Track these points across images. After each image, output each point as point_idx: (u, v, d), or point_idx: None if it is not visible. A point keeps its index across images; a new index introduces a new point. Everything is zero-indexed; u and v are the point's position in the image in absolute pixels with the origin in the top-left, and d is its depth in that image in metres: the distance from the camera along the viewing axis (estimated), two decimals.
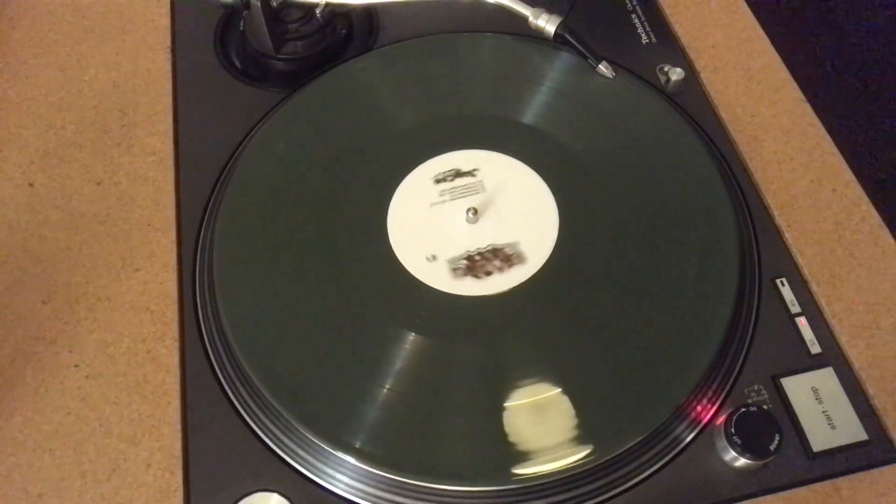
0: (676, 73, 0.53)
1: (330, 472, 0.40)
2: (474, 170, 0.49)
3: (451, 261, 0.45)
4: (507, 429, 0.40)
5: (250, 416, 0.42)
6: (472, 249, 0.46)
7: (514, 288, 0.44)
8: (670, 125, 0.50)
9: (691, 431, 0.41)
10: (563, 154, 0.50)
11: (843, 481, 0.40)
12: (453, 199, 0.48)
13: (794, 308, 0.45)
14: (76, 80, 0.56)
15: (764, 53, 0.57)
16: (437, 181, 0.48)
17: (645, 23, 0.58)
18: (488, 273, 0.45)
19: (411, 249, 0.46)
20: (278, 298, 0.44)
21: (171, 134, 0.53)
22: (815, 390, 0.42)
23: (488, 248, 0.46)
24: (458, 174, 0.49)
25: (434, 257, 0.45)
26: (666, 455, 0.40)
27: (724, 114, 0.54)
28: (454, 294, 0.44)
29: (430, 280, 0.45)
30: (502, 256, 0.45)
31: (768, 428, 0.39)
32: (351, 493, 0.39)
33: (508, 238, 0.46)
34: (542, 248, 0.46)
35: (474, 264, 0.45)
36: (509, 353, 0.42)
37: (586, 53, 0.52)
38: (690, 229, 0.46)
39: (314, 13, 0.54)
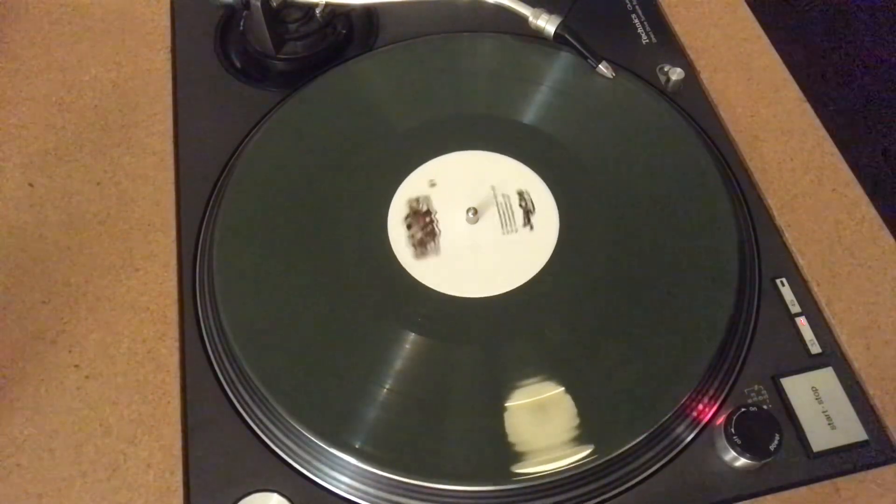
0: (676, 73, 0.53)
1: (330, 472, 0.40)
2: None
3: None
4: (507, 429, 0.40)
5: (250, 416, 0.42)
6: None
7: (515, 289, 0.44)
8: (670, 125, 0.50)
9: (691, 431, 0.41)
10: (562, 154, 0.50)
11: (843, 481, 0.40)
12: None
13: (794, 308, 0.45)
14: (76, 80, 0.56)
15: (764, 53, 0.57)
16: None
17: (645, 23, 0.58)
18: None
19: (411, 249, 0.46)
20: (278, 298, 0.44)
21: (171, 134, 0.53)
22: (815, 390, 0.42)
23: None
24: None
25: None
26: (666, 455, 0.40)
27: (724, 114, 0.53)
28: (454, 295, 0.44)
29: (430, 281, 0.45)
30: None
31: (768, 428, 0.39)
32: (351, 493, 0.39)
33: (507, 242, 0.46)
34: (542, 249, 0.46)
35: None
36: (509, 353, 0.42)
37: (586, 53, 0.52)
38: (690, 229, 0.46)
39: (314, 13, 0.54)
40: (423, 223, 0.44)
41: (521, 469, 0.39)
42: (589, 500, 0.39)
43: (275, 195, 0.48)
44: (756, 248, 0.47)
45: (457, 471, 0.39)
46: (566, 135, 0.51)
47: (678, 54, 0.57)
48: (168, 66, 0.56)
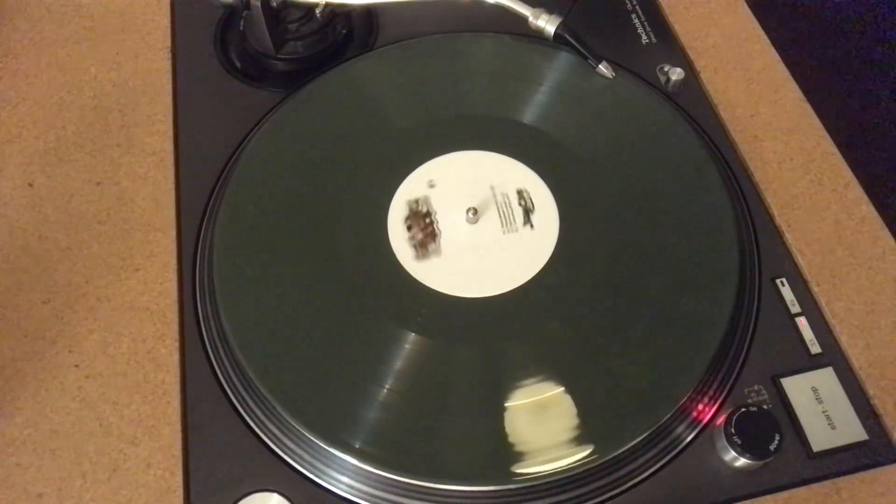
0: (676, 73, 0.53)
1: (330, 472, 0.40)
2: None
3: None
4: (507, 429, 0.40)
5: (250, 416, 0.42)
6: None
7: (515, 288, 0.44)
8: (670, 125, 0.50)
9: (691, 431, 0.41)
10: (562, 154, 0.50)
11: (843, 481, 0.40)
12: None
13: (794, 308, 0.45)
14: (76, 80, 0.56)
15: (764, 53, 0.57)
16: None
17: (645, 23, 0.58)
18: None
19: (411, 249, 0.46)
20: (278, 298, 0.44)
21: (171, 134, 0.53)
22: (815, 390, 0.42)
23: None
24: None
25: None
26: (666, 455, 0.40)
27: (724, 114, 0.53)
28: (454, 295, 0.44)
29: (431, 281, 0.45)
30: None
31: (768, 428, 0.39)
32: (351, 493, 0.39)
33: (508, 240, 0.46)
34: (542, 248, 0.46)
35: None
36: (509, 353, 0.42)
37: (586, 53, 0.52)
38: (690, 229, 0.46)
39: (314, 13, 0.54)
40: (422, 224, 0.44)
41: (520, 469, 0.39)
42: (589, 500, 0.39)
43: (275, 195, 0.48)
44: (756, 248, 0.47)
45: (457, 471, 0.39)
46: (566, 135, 0.51)
47: (678, 54, 0.57)
48: (168, 66, 0.56)
